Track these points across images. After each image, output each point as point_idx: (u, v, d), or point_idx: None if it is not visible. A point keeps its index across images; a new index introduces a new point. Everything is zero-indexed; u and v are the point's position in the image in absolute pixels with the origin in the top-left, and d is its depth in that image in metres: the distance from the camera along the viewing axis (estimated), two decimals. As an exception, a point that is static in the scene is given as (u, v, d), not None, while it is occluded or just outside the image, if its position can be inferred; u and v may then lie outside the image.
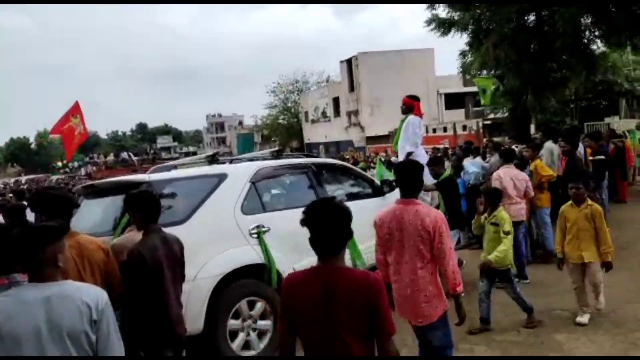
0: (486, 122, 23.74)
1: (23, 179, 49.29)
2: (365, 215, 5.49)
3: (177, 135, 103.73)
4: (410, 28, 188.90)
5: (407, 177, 3.22)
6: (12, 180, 45.96)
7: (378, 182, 6.12)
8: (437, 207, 5.85)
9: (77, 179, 35.31)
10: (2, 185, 30.57)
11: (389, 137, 21.26)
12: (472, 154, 9.07)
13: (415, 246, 3.05)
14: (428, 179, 5.65)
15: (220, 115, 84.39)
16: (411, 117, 6.65)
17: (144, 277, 3.06)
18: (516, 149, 8.08)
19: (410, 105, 6.75)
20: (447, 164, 7.68)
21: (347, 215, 2.13)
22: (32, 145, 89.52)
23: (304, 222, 2.11)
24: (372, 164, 16.25)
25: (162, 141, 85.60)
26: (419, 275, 3.06)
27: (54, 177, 43.51)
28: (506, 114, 17.90)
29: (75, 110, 13.53)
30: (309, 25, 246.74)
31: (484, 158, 8.56)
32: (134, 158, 39.11)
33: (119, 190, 4.10)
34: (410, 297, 3.10)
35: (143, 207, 3.25)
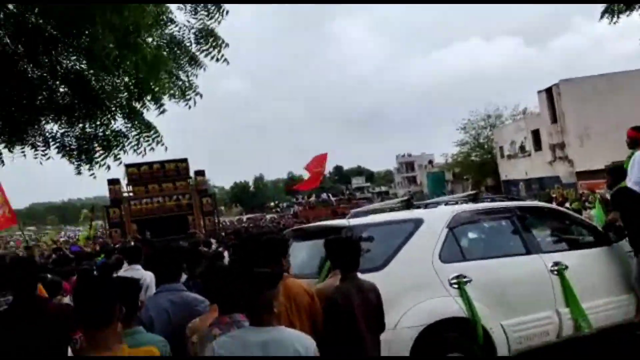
0: None
1: (244, 217, 57.64)
2: (589, 268, 4.75)
3: (370, 176, 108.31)
4: (615, 48, 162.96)
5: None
6: (236, 218, 54.12)
7: (599, 227, 5.22)
8: None
9: (286, 217, 39.64)
10: (228, 224, 36.31)
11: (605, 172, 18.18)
12: None
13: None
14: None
15: (409, 155, 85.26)
16: (638, 153, 5.57)
17: (338, 324, 3.12)
18: None
19: (635, 138, 5.67)
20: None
21: None
22: (251, 188, 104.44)
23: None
24: (587, 203, 14.15)
25: (356, 182, 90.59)
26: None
27: (268, 216, 49.63)
28: None
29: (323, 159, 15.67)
30: (497, 58, 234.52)
31: None
32: (332, 198, 42.16)
33: (322, 233, 4.36)
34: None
35: (342, 253, 3.36)
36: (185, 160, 24.20)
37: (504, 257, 4.41)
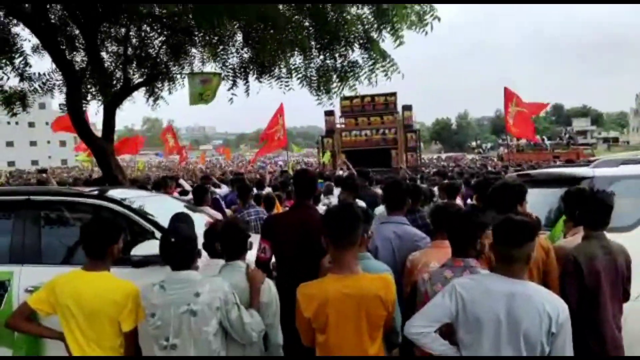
0: None
1: (443, 155, 56.48)
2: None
3: (596, 118, 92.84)
4: None
5: None
6: (435, 156, 53.40)
7: None
8: None
9: (489, 159, 37.28)
10: (427, 161, 35.96)
11: None
12: None
13: None
14: None
15: (656, 94, 70.07)
16: None
17: (578, 288, 2.80)
18: None
19: None
20: None
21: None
22: (453, 126, 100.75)
23: None
24: None
25: (579, 124, 78.61)
26: None
27: (469, 156, 47.54)
28: None
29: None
30: None
31: None
32: (547, 142, 37.60)
33: (557, 182, 3.91)
34: None
35: (584, 209, 2.96)
36: (394, 94, 24.32)
37: None
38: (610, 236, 2.98)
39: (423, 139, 47.20)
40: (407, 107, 25.05)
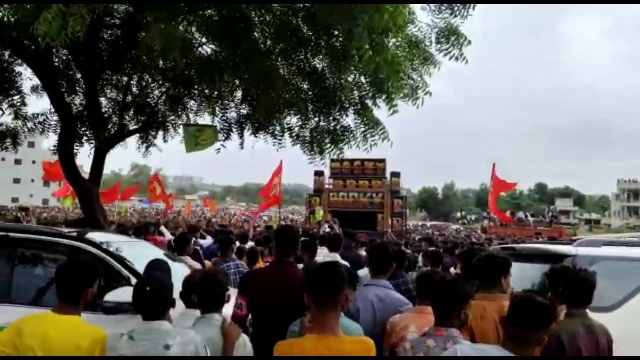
0: None
1: (428, 223, 56.64)
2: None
3: (579, 200, 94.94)
4: None
5: None
6: (420, 223, 53.57)
7: None
8: None
9: (473, 231, 37.46)
10: (412, 227, 36.03)
11: None
12: None
13: None
14: None
15: (635, 181, 72.40)
16: None
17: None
18: None
19: None
20: None
21: None
22: (439, 195, 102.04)
23: None
24: None
25: (561, 204, 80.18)
26: None
27: (453, 227, 47.76)
28: None
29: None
30: None
31: None
32: (530, 219, 38.04)
33: (540, 258, 3.94)
34: None
35: (567, 287, 2.97)
36: (383, 161, 25.04)
37: None
38: (592, 316, 2.97)
39: (409, 206, 47.54)
40: (395, 174, 25.60)
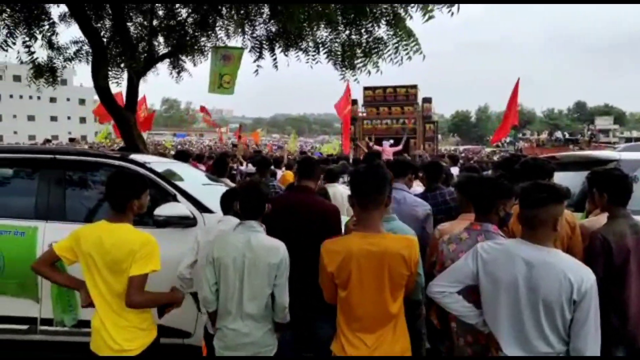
0: None
1: (461, 147, 55.72)
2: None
3: (619, 117, 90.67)
4: None
5: None
6: (452, 148, 52.78)
7: None
8: None
9: (508, 153, 36.63)
10: (444, 151, 35.61)
11: None
12: None
13: None
14: None
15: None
16: None
17: (605, 266, 2.76)
18: None
19: None
20: None
21: None
22: (472, 119, 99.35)
23: None
24: None
25: (601, 122, 76.81)
26: None
27: (487, 149, 46.85)
28: None
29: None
30: None
31: None
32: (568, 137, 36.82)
33: (583, 165, 3.85)
34: None
35: (611, 187, 2.91)
36: (415, 87, 24.96)
37: None
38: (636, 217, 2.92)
39: (442, 131, 46.68)
40: (427, 100, 25.42)
